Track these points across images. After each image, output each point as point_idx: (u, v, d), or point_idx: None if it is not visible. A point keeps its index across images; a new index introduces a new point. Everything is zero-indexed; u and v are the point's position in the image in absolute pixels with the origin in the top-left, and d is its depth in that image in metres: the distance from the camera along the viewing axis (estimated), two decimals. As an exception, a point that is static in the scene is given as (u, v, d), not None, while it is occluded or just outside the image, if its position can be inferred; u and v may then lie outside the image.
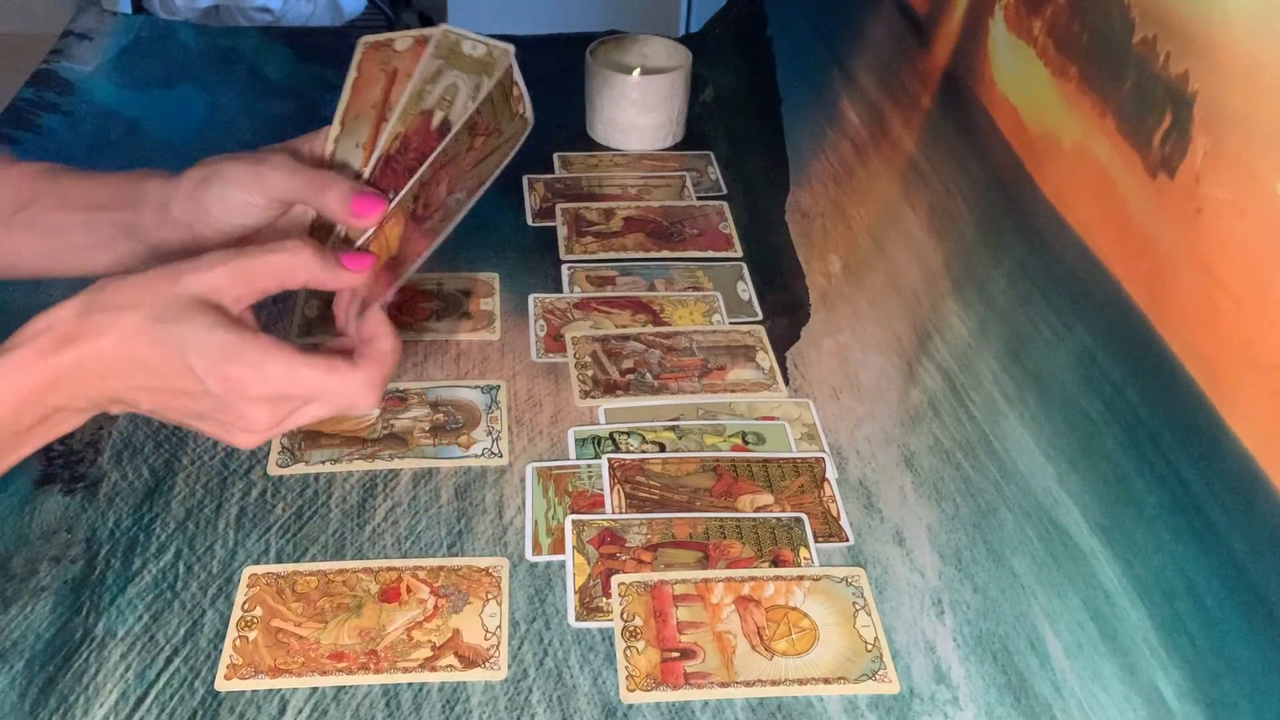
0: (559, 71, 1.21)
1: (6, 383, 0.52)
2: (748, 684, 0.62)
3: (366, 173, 0.63)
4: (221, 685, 0.61)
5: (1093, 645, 0.62)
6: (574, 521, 0.71)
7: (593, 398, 0.81)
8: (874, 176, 0.99)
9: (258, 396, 0.54)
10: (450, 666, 0.63)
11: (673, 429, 0.79)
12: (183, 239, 0.64)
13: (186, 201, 0.63)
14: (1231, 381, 0.57)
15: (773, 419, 0.80)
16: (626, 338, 0.87)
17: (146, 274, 0.54)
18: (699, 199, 1.05)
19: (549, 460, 0.76)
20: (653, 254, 0.97)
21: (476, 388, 0.82)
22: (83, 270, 0.68)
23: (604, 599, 0.66)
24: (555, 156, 1.11)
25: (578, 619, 0.66)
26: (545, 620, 0.66)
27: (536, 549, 0.70)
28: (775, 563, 0.69)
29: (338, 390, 0.56)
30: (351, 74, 0.65)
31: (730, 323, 0.89)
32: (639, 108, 1.10)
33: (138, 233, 0.66)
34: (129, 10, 2.15)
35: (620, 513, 0.72)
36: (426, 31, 0.64)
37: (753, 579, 0.67)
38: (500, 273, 0.94)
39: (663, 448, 0.77)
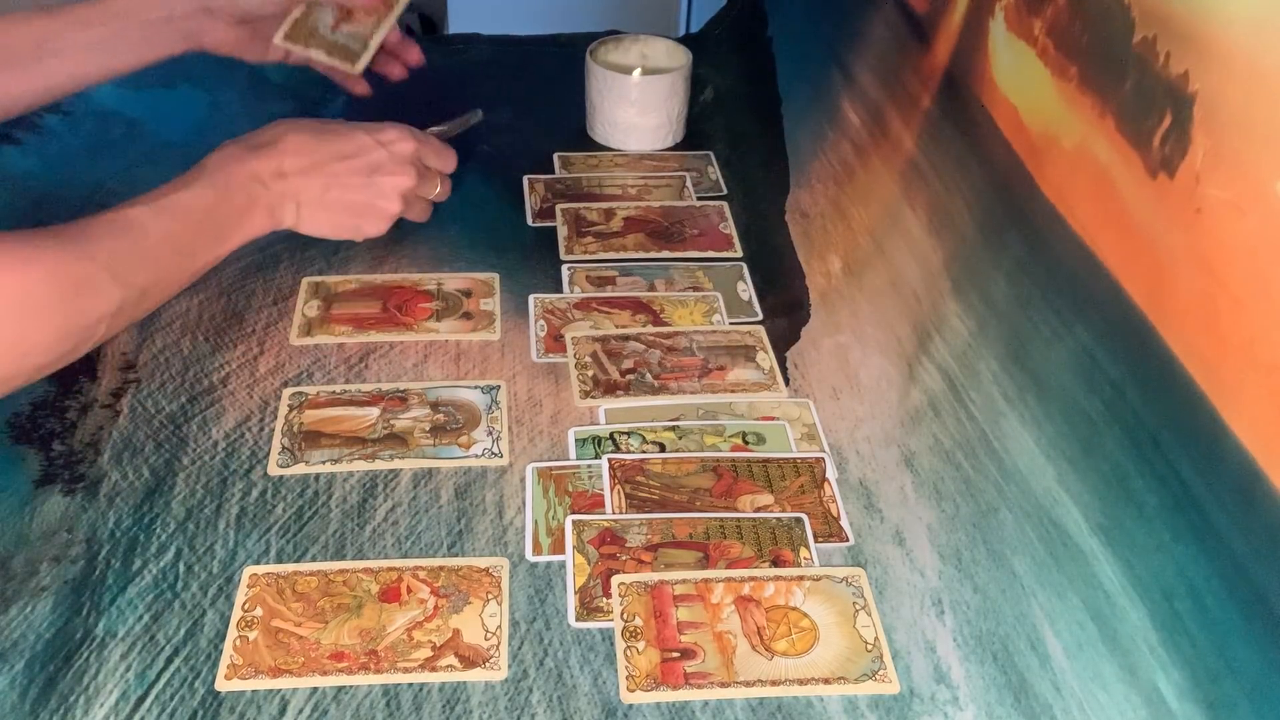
0: (559, 71, 1.22)
1: (221, 172, 0.73)
2: (748, 684, 0.62)
3: None
4: (222, 685, 0.61)
5: (1093, 645, 0.62)
6: (574, 521, 0.71)
7: (593, 398, 0.81)
8: (874, 176, 0.99)
9: (399, 136, 0.82)
10: (450, 666, 0.63)
11: (673, 429, 0.79)
12: (201, 22, 0.88)
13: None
14: (1231, 381, 0.57)
15: (773, 419, 0.80)
16: (626, 338, 0.87)
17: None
18: (699, 199, 1.05)
19: (549, 460, 0.76)
20: (653, 254, 0.97)
21: (476, 388, 0.82)
22: (110, 75, 0.87)
23: (604, 599, 0.66)
24: (555, 156, 1.11)
25: (578, 619, 0.66)
26: (545, 620, 0.66)
27: (537, 549, 0.70)
28: (775, 563, 0.69)
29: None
30: None
31: (730, 323, 0.89)
32: (639, 108, 1.10)
33: (168, 24, 0.86)
34: None
35: (620, 513, 0.72)
36: None
37: (753, 579, 0.67)
38: (500, 273, 0.94)
39: (663, 448, 0.77)
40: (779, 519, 0.72)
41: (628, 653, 0.63)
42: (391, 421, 0.78)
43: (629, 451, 0.77)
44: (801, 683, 0.62)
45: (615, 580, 0.67)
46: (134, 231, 0.67)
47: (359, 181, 0.80)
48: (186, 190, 0.71)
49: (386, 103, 0.98)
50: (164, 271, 0.70)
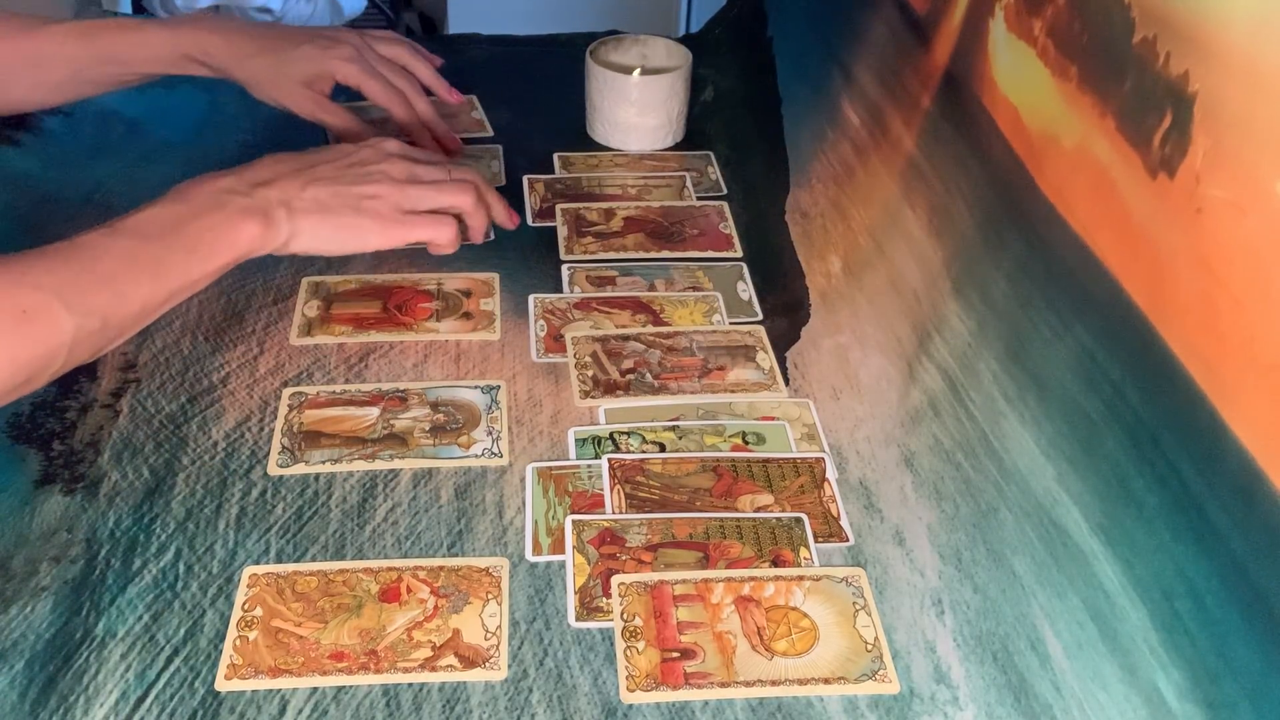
0: (559, 71, 1.21)
1: (186, 189, 0.71)
2: (748, 684, 0.62)
3: None
4: (222, 685, 0.61)
5: (1093, 645, 0.62)
6: (574, 521, 0.71)
7: (593, 398, 0.81)
8: (874, 176, 0.99)
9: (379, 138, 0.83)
10: (450, 666, 0.63)
11: (673, 429, 0.79)
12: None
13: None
14: (1231, 381, 0.57)
15: (773, 419, 0.80)
16: (626, 338, 0.87)
17: None
18: (699, 199, 1.05)
19: (549, 460, 0.76)
20: (653, 254, 0.97)
21: (476, 388, 0.82)
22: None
23: (604, 599, 0.66)
24: (555, 156, 1.11)
25: (578, 619, 0.66)
26: (545, 620, 0.66)
27: (536, 549, 0.70)
28: (775, 563, 0.69)
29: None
30: None
31: (730, 323, 0.89)
32: (639, 108, 1.10)
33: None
34: (129, 10, 2.15)
35: (620, 513, 0.72)
36: None
37: (753, 579, 0.67)
38: (500, 273, 0.94)
39: (663, 448, 0.77)
40: (779, 519, 0.72)
41: (628, 653, 0.63)
42: (391, 421, 0.78)
43: (629, 451, 0.77)
44: (801, 683, 0.62)
45: (615, 580, 0.67)
46: (87, 255, 0.65)
47: (343, 170, 0.78)
48: (146, 209, 0.69)
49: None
50: (127, 293, 0.65)
